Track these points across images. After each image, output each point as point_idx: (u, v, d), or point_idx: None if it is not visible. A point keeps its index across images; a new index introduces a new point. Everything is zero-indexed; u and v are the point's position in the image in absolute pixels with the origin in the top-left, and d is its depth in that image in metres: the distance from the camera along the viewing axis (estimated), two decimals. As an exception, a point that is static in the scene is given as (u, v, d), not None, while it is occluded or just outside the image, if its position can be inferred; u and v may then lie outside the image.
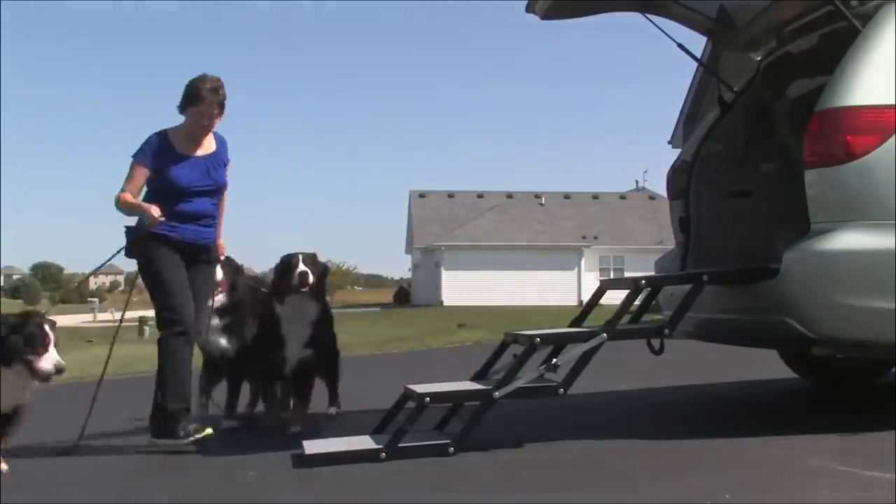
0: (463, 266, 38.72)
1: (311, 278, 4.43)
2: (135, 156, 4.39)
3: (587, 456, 3.66)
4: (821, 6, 4.24)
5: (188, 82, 4.38)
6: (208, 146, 4.48)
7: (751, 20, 4.82)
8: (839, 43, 3.86)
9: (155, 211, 4.25)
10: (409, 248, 45.30)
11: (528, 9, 4.72)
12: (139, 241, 4.36)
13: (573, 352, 3.82)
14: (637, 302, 4.29)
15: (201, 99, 4.32)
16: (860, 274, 3.59)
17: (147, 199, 4.39)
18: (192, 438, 4.14)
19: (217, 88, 4.35)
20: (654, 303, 4.51)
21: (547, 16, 4.72)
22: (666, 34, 4.83)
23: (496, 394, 3.72)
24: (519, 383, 3.76)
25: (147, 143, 4.41)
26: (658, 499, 2.95)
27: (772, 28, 4.80)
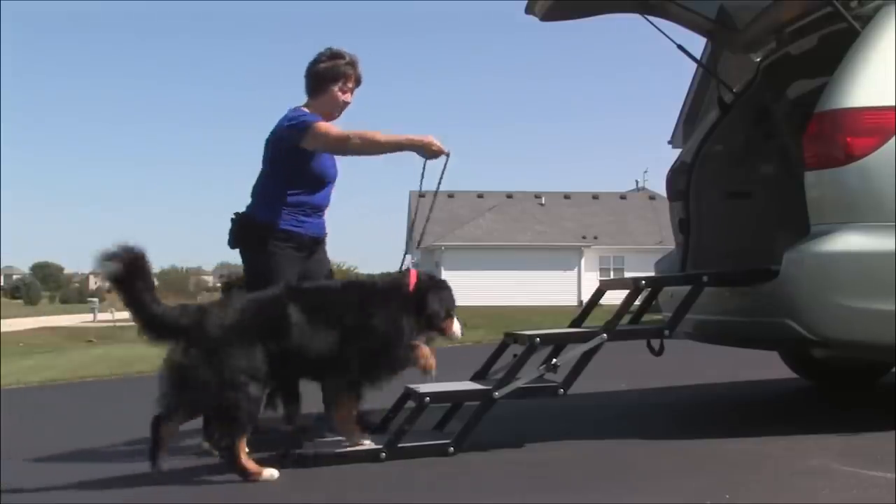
0: (463, 266, 38.70)
1: None
2: (307, 117, 4.05)
3: (587, 456, 3.67)
4: (820, 7, 4.25)
5: (318, 61, 4.16)
6: None
7: (751, 21, 4.83)
8: (839, 44, 3.86)
9: (435, 141, 3.96)
10: (409, 248, 45.29)
11: (528, 10, 4.73)
12: (258, 233, 4.06)
13: (573, 352, 3.83)
14: (637, 302, 4.30)
15: (342, 76, 4.12)
16: (860, 275, 3.59)
17: (274, 184, 4.12)
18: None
19: (355, 62, 4.16)
20: (653, 303, 4.52)
21: (546, 17, 4.73)
22: (665, 35, 4.84)
23: (496, 394, 3.73)
24: (519, 383, 3.76)
25: (303, 113, 4.11)
26: (658, 499, 2.95)
27: (771, 29, 4.80)
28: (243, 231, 4.16)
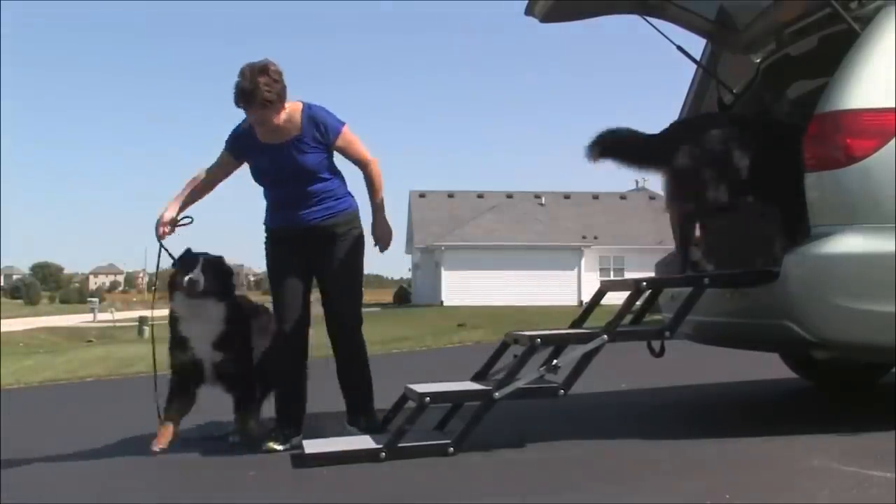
0: (463, 266, 38.70)
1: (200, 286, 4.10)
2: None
3: (587, 456, 3.67)
4: (820, 8, 4.25)
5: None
6: (289, 130, 4.16)
7: (750, 22, 4.83)
8: (839, 45, 3.87)
9: (167, 215, 4.23)
10: (409, 248, 45.27)
11: (528, 11, 4.73)
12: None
13: (574, 353, 3.83)
14: (637, 303, 4.30)
15: (240, 100, 4.04)
16: (860, 277, 3.59)
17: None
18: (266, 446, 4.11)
19: (253, 89, 3.96)
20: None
21: (546, 18, 4.73)
22: (665, 36, 4.85)
23: (496, 394, 3.73)
24: (519, 384, 3.76)
25: (235, 127, 4.31)
26: (658, 499, 2.95)
27: (771, 30, 4.80)
28: None
